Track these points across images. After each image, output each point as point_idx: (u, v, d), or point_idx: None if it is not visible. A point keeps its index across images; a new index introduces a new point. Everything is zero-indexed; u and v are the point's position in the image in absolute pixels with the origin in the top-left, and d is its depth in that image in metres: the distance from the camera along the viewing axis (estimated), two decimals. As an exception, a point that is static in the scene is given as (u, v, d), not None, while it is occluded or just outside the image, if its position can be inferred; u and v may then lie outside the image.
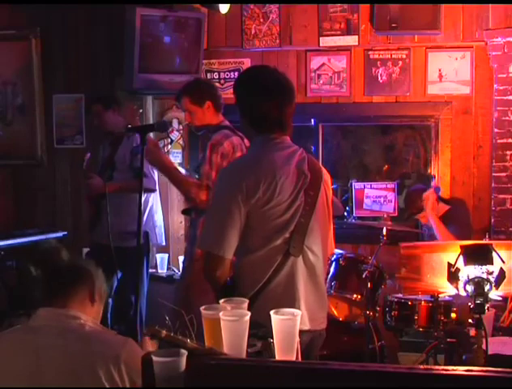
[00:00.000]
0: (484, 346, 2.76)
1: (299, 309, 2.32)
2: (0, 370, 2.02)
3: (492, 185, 4.66)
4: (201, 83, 3.77)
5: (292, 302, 2.36)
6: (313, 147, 5.21)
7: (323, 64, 5.00)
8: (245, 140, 3.60)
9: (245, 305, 1.88)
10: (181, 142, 5.17)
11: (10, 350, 2.03)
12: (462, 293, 2.79)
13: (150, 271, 4.94)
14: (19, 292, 4.57)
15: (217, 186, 2.55)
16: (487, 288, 2.71)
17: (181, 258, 4.91)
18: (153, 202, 4.57)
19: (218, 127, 3.61)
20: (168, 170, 3.59)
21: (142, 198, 4.28)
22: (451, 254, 2.86)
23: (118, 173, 4.26)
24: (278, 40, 4.93)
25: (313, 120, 5.18)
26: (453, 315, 3.51)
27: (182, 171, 4.85)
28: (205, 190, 3.41)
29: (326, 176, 2.61)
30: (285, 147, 2.50)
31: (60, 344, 1.99)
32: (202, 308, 1.80)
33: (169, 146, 5.20)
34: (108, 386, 1.94)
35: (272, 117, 2.46)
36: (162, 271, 4.97)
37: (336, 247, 4.15)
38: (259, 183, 2.35)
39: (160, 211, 4.82)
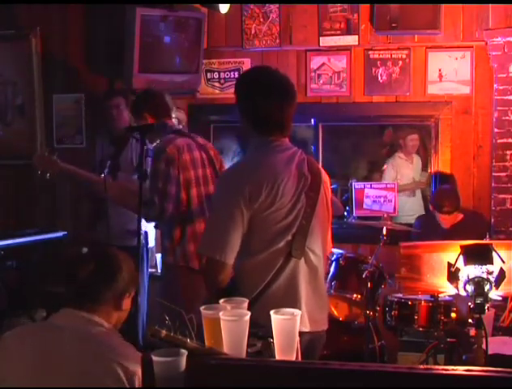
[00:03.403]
0: (484, 346, 2.76)
1: (300, 310, 2.32)
2: (12, 367, 2.01)
3: (492, 185, 4.66)
4: (136, 98, 3.78)
5: (293, 304, 2.33)
6: (313, 147, 5.22)
7: (323, 64, 5.00)
8: (199, 139, 3.66)
9: (245, 304, 1.88)
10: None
11: (25, 347, 2.02)
12: (462, 293, 2.79)
13: (150, 270, 4.94)
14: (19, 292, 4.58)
15: (218, 191, 2.55)
16: (487, 287, 2.71)
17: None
18: None
19: (167, 131, 3.62)
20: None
21: None
22: (451, 253, 2.86)
23: (122, 173, 4.26)
24: (278, 40, 4.93)
25: (313, 120, 5.17)
26: (453, 315, 3.51)
27: None
28: (159, 204, 3.41)
29: (325, 176, 2.60)
30: (285, 149, 2.48)
31: (75, 347, 1.98)
32: (202, 308, 1.80)
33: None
34: None
35: (273, 119, 2.45)
36: (161, 271, 4.96)
37: (336, 247, 4.18)
38: (261, 187, 2.34)
39: None
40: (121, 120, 4.42)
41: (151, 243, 4.62)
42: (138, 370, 1.93)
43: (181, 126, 3.76)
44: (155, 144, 3.78)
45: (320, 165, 2.69)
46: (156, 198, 3.42)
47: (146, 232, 4.49)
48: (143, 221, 4.46)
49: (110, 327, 2.09)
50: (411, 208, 5.53)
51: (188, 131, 3.79)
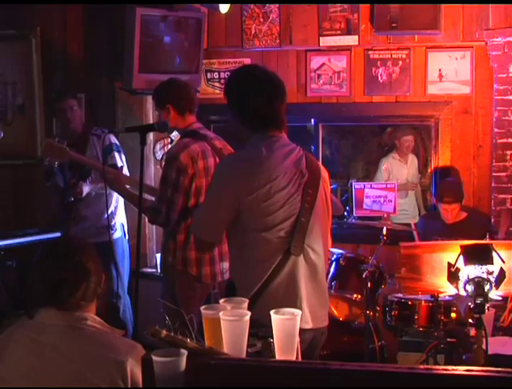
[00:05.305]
0: (484, 346, 2.76)
1: (301, 307, 2.33)
2: (1, 369, 2.00)
3: (492, 184, 4.66)
4: (163, 86, 3.64)
5: (294, 301, 2.36)
6: (313, 147, 5.22)
7: (323, 64, 5.00)
8: (217, 142, 3.57)
9: (245, 305, 1.88)
10: (181, 142, 5.16)
11: (13, 349, 2.01)
12: (462, 293, 2.80)
13: (150, 270, 4.95)
14: (19, 292, 4.58)
15: (214, 179, 2.59)
16: (487, 287, 2.71)
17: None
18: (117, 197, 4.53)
19: (184, 132, 3.57)
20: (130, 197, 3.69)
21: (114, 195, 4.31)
22: (451, 253, 2.86)
23: (95, 172, 4.26)
24: (278, 40, 4.92)
25: (313, 120, 5.18)
26: (453, 315, 3.51)
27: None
28: (165, 213, 3.39)
29: (324, 173, 2.63)
30: (283, 146, 2.51)
31: (64, 345, 1.97)
32: (202, 308, 1.80)
33: (169, 146, 5.19)
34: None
35: (264, 114, 2.49)
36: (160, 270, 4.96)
37: (336, 247, 4.18)
38: (254, 181, 2.37)
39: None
40: (77, 121, 4.44)
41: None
42: (127, 358, 1.92)
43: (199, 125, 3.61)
44: (167, 147, 3.73)
45: (320, 162, 2.71)
46: (164, 206, 3.38)
47: (122, 225, 4.51)
48: (122, 215, 4.50)
49: (93, 318, 2.07)
50: (402, 208, 5.50)
51: (206, 131, 3.66)
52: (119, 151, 4.40)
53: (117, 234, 4.49)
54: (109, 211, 4.39)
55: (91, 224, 4.31)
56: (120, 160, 4.38)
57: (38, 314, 2.07)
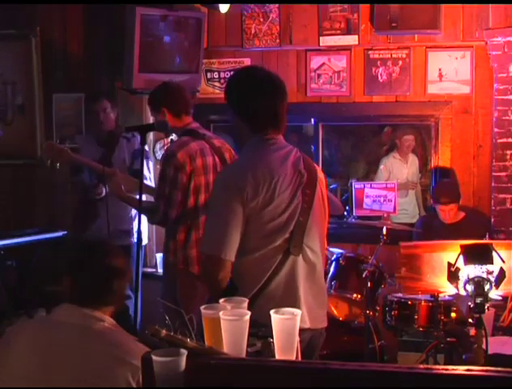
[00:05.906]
0: (484, 346, 2.76)
1: (299, 307, 2.33)
2: (13, 363, 2.00)
3: (492, 184, 4.66)
4: (156, 91, 3.66)
5: (293, 301, 2.36)
6: (313, 147, 5.22)
7: (323, 64, 4.99)
8: (215, 140, 3.58)
9: (245, 304, 1.88)
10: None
11: (26, 343, 2.01)
12: (462, 293, 2.79)
13: (150, 270, 4.97)
14: (19, 292, 4.59)
15: (217, 190, 2.55)
16: (487, 287, 2.71)
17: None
18: None
19: (182, 131, 3.58)
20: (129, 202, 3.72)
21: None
22: (451, 253, 2.86)
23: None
24: (278, 40, 4.93)
25: (313, 120, 5.18)
26: (453, 315, 3.51)
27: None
28: (163, 210, 3.41)
29: (321, 174, 2.64)
30: (280, 148, 2.51)
31: (79, 344, 1.98)
32: (202, 307, 1.80)
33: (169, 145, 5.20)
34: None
35: (265, 115, 2.48)
36: (162, 270, 4.97)
37: (336, 247, 4.19)
38: (258, 187, 2.36)
39: None
40: (108, 123, 4.45)
41: (145, 241, 4.65)
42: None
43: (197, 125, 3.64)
44: (167, 146, 3.74)
45: (315, 164, 2.70)
46: (161, 203, 3.40)
47: (139, 231, 4.52)
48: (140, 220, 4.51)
49: (111, 321, 2.08)
50: (402, 208, 5.50)
51: (204, 130, 3.69)
52: (146, 158, 4.41)
53: (135, 239, 4.50)
54: (129, 216, 4.41)
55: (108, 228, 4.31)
56: (146, 167, 4.39)
57: (55, 310, 2.08)
